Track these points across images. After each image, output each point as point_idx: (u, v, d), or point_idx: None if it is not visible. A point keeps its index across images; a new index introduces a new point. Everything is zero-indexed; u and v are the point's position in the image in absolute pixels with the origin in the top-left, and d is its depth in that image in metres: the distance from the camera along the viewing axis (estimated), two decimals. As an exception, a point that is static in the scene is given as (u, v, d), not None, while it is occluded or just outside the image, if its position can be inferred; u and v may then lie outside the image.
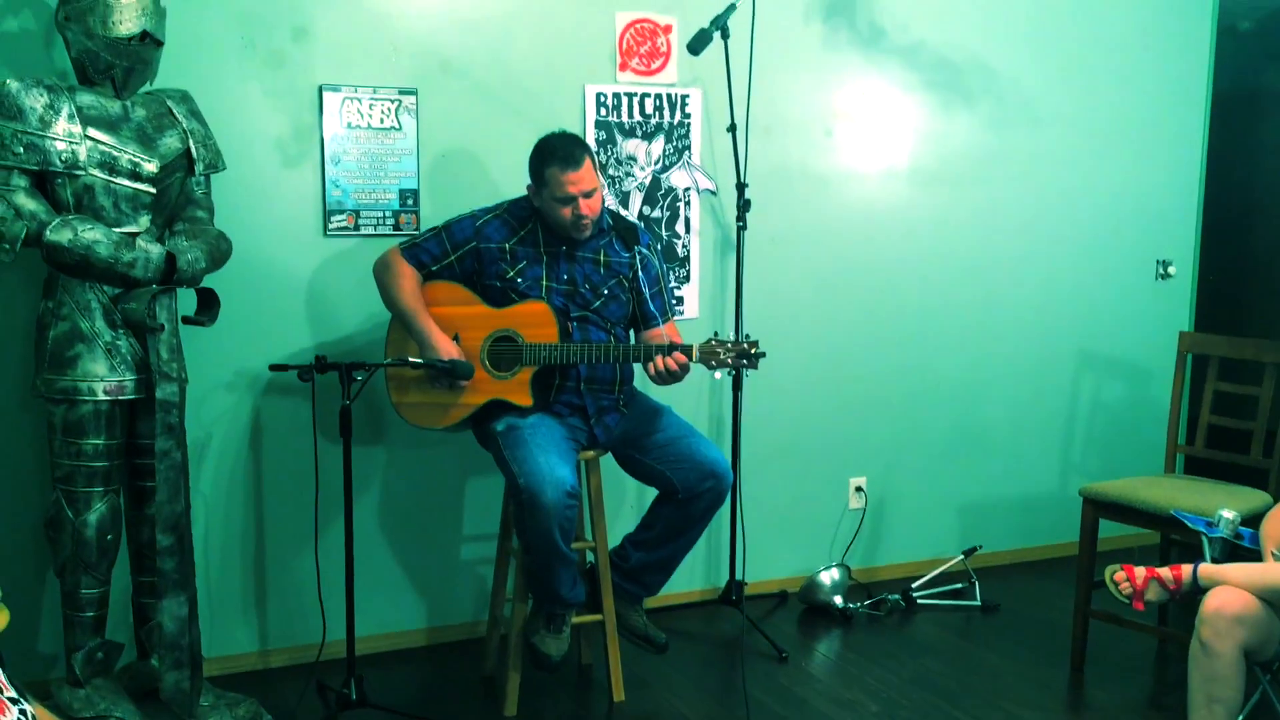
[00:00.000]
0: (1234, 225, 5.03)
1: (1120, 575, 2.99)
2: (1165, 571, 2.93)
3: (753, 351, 3.10)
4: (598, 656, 3.51)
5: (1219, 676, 2.72)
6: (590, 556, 3.44)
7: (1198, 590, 2.84)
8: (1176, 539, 3.66)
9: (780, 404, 4.22)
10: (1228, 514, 3.10)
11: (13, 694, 1.57)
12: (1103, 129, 4.66)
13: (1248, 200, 5.07)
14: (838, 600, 4.09)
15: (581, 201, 3.18)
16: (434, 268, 3.27)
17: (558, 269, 3.28)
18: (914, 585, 4.24)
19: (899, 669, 3.63)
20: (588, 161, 3.18)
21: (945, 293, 4.46)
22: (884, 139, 4.32)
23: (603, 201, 3.34)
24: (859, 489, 4.42)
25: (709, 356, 3.11)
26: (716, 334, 3.22)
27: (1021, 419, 4.66)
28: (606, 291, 3.32)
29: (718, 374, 3.17)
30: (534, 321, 3.19)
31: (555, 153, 3.16)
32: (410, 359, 3.10)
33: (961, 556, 4.35)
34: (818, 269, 4.25)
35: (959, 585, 4.29)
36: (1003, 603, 4.20)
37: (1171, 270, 4.85)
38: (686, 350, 3.12)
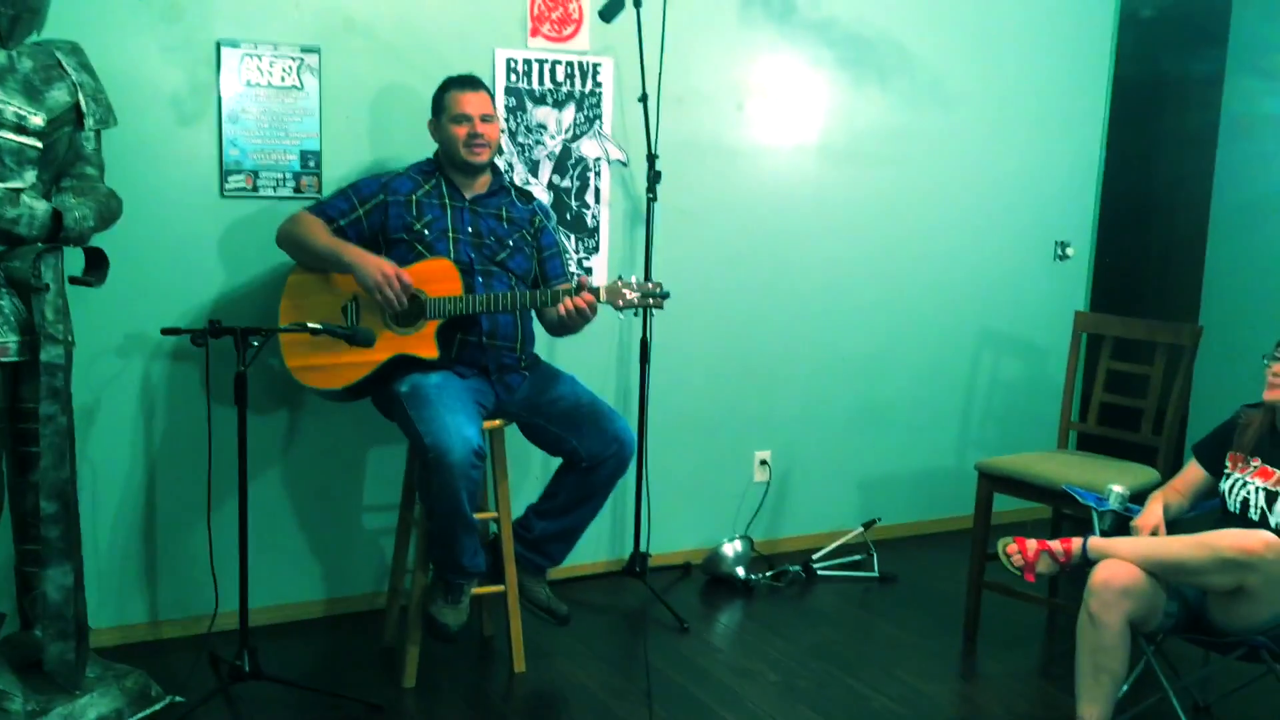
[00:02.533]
0: (1132, 209, 5.17)
1: (1012, 548, 3.05)
2: (1056, 544, 3.00)
3: (658, 291, 3.18)
4: (499, 627, 3.49)
5: (1106, 647, 2.80)
6: (493, 527, 3.41)
7: (1087, 563, 2.91)
8: (1068, 513, 3.76)
9: (687, 376, 4.23)
10: (1117, 489, 3.19)
11: None
12: (1007, 111, 4.73)
13: (1146, 185, 5.21)
14: (740, 572, 4.12)
15: (477, 122, 3.25)
16: (342, 222, 3.21)
17: (462, 221, 3.28)
18: (814, 557, 4.30)
19: (799, 639, 3.68)
20: (484, 92, 3.31)
21: (851, 269, 4.51)
22: (795, 114, 4.33)
23: (499, 141, 3.40)
24: (763, 462, 4.45)
25: (615, 296, 3.17)
26: (621, 276, 3.23)
27: (922, 394, 4.74)
28: (511, 244, 3.33)
29: (622, 315, 3.27)
30: (437, 276, 3.16)
31: (454, 80, 3.33)
32: (309, 325, 3.02)
33: (861, 529, 4.42)
34: (727, 242, 4.26)
35: (858, 557, 4.36)
36: (900, 574, 4.28)
37: (1070, 251, 4.96)
38: (594, 291, 3.16)
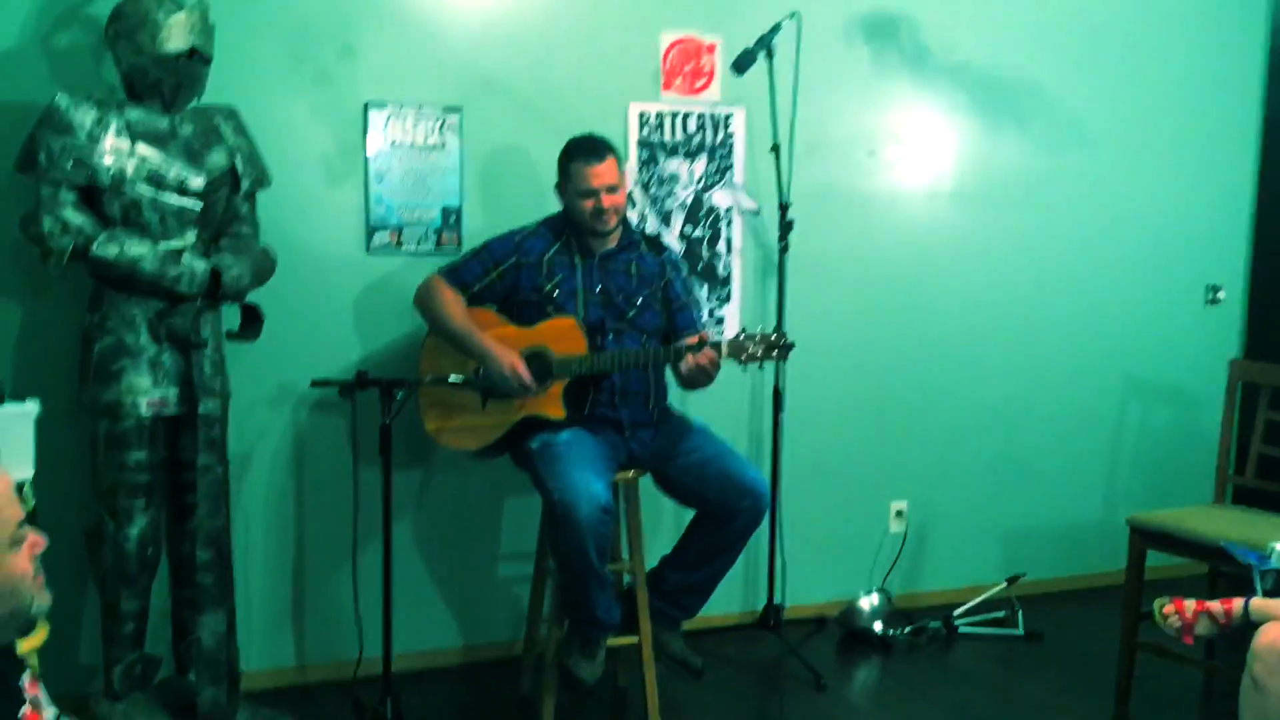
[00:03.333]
0: None
1: (1169, 609, 2.92)
2: (1215, 605, 2.86)
3: (781, 343, 3.12)
4: (634, 679, 3.48)
5: (1271, 714, 2.65)
6: (627, 578, 3.41)
7: (1249, 625, 2.76)
8: (1225, 571, 3.57)
9: (821, 425, 4.18)
10: (1279, 546, 3.03)
11: (50, 709, 1.57)
12: (1152, 151, 4.60)
13: None
14: (877, 626, 4.03)
15: (604, 195, 3.22)
16: (476, 287, 3.27)
17: (592, 279, 3.30)
18: (955, 613, 4.18)
19: (940, 698, 3.57)
20: (611, 158, 3.25)
21: (990, 316, 4.41)
22: (929, 160, 4.28)
23: (627, 203, 3.39)
24: (900, 513, 4.36)
25: (738, 351, 3.12)
26: (744, 329, 3.21)
27: (1067, 445, 4.59)
28: (641, 301, 3.33)
29: (747, 368, 3.19)
30: (562, 336, 3.19)
31: (579, 147, 3.26)
32: (450, 377, 3.09)
33: (1004, 584, 4.28)
34: (860, 291, 4.22)
35: (1001, 613, 4.22)
36: (1046, 632, 4.13)
37: (1221, 295, 4.77)
38: (716, 346, 3.12)
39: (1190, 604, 2.89)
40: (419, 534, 3.71)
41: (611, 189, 3.23)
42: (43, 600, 1.48)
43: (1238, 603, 2.82)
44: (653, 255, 3.43)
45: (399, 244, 3.57)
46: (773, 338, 3.13)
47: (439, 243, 3.60)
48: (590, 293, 3.29)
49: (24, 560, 1.44)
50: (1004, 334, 4.44)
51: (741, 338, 3.14)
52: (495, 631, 3.83)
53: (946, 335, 4.36)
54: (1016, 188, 4.40)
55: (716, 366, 3.15)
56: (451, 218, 3.61)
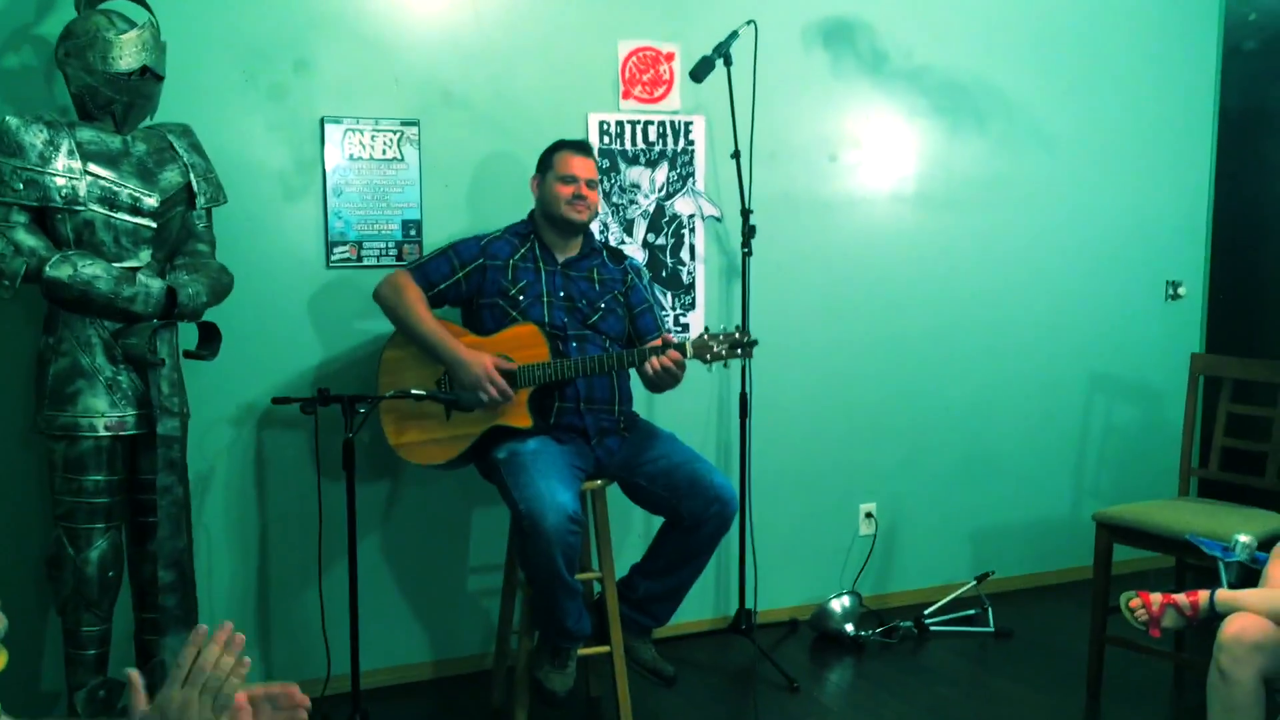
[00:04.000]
0: (1244, 245, 4.99)
1: (1136, 602, 2.94)
2: (1182, 598, 2.88)
3: (745, 340, 3.14)
4: (606, 689, 3.47)
5: (1238, 704, 2.67)
6: (597, 587, 3.40)
7: (1215, 616, 2.79)
8: (1191, 563, 3.60)
9: (788, 430, 4.19)
10: (1244, 538, 3.05)
11: None
12: (1110, 150, 4.64)
13: (1257, 219, 5.03)
14: (849, 628, 4.04)
15: (583, 185, 3.29)
16: (441, 286, 3.26)
17: (555, 285, 3.31)
18: (926, 612, 4.19)
19: (913, 698, 3.58)
20: (593, 160, 3.36)
21: (953, 317, 4.44)
22: (889, 164, 4.30)
23: (598, 207, 3.44)
24: (869, 515, 4.37)
25: (702, 350, 3.14)
26: (708, 328, 3.21)
27: (1032, 442, 4.62)
28: (604, 305, 3.35)
29: (713, 368, 3.21)
30: (524, 343, 3.18)
31: (567, 141, 3.37)
32: (413, 390, 3.07)
33: (974, 582, 4.30)
34: (824, 294, 4.23)
35: (972, 611, 4.24)
36: (1016, 629, 4.14)
37: (1181, 291, 4.82)
38: (680, 347, 3.14)
39: (1156, 597, 2.91)
40: (386, 548, 3.68)
41: (591, 184, 3.31)
42: (0, 624, 1.46)
43: (1203, 594, 2.84)
44: (613, 263, 3.45)
45: (359, 258, 3.55)
46: (736, 335, 3.15)
47: (399, 256, 3.58)
48: (554, 297, 3.29)
49: None
50: (968, 334, 4.47)
51: (705, 337, 3.15)
52: (465, 645, 3.81)
53: (911, 336, 4.38)
54: (977, 189, 4.43)
55: (681, 367, 3.16)
56: (412, 230, 3.60)
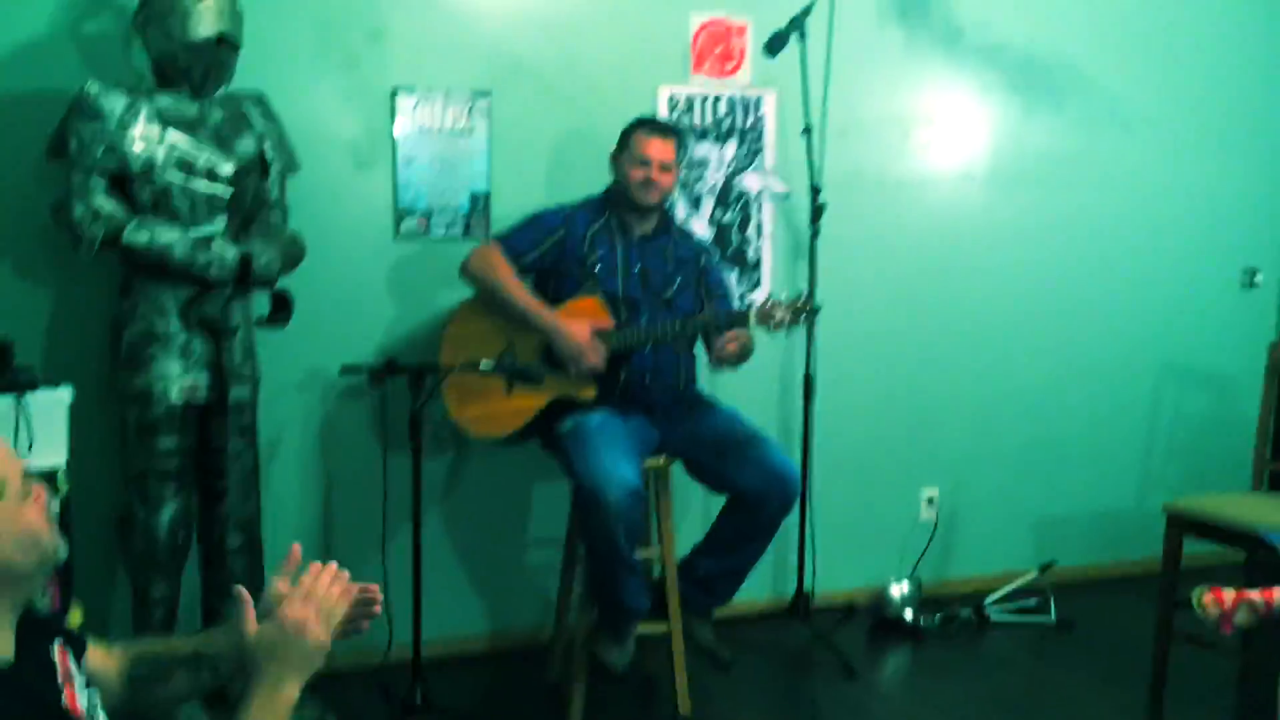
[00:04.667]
0: None
1: (1209, 597, 2.87)
2: (1256, 594, 2.81)
3: (808, 306, 3.19)
4: (663, 668, 3.47)
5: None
6: (656, 565, 3.40)
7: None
8: (1262, 559, 3.52)
9: (851, 411, 4.15)
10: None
11: (80, 676, 1.58)
12: (1188, 133, 4.52)
13: None
14: (908, 614, 4.01)
15: (656, 168, 3.26)
16: (529, 257, 3.26)
17: (631, 258, 3.30)
18: (987, 600, 4.14)
19: (971, 687, 3.55)
20: (673, 140, 3.32)
21: (1023, 300, 4.36)
22: (963, 142, 4.23)
23: (674, 188, 3.41)
24: (930, 500, 4.33)
25: (765, 317, 3.16)
26: (771, 295, 3.23)
27: (1100, 431, 4.53)
28: (678, 283, 3.34)
29: (774, 333, 3.27)
30: (587, 313, 3.18)
31: (647, 120, 3.36)
32: (481, 364, 3.07)
33: (1037, 572, 4.24)
34: (893, 274, 4.17)
35: (1033, 601, 4.18)
36: (1079, 620, 4.08)
37: (1259, 279, 4.70)
38: (744, 314, 3.17)
39: (1229, 593, 2.85)
40: (448, 520, 3.70)
41: (665, 167, 3.27)
42: (61, 547, 1.51)
43: (1278, 592, 2.78)
44: (687, 242, 3.43)
45: (427, 229, 3.55)
46: (799, 302, 3.17)
47: (467, 228, 3.58)
48: (629, 271, 3.29)
49: (37, 510, 1.47)
50: (1036, 318, 4.39)
51: (769, 304, 3.16)
52: (524, 618, 3.83)
53: (979, 320, 4.31)
54: (1050, 169, 4.34)
55: (747, 338, 3.19)
56: (480, 203, 3.60)
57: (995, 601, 4.16)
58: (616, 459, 2.98)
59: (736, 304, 3.65)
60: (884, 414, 4.23)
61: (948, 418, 4.32)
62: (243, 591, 1.62)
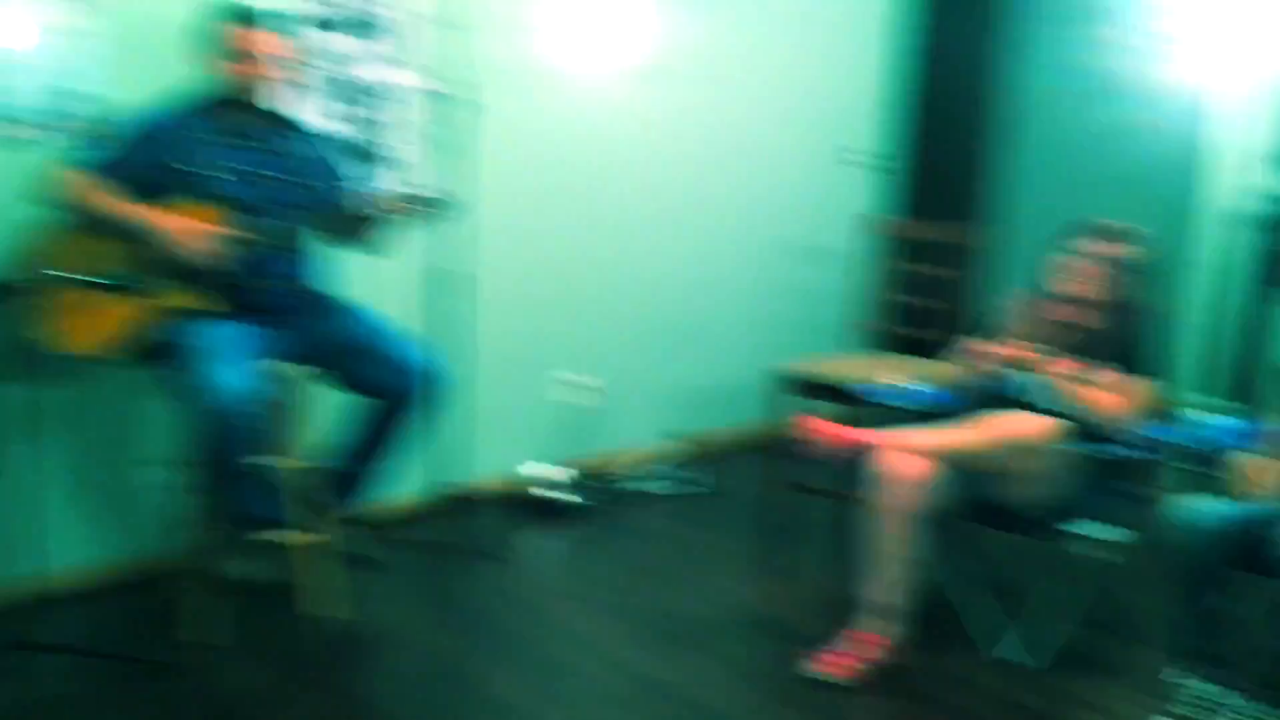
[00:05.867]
0: (930, 112, 5.22)
1: (804, 425, 3.10)
2: (846, 430, 3.07)
3: (433, 200, 3.15)
4: (304, 574, 3.38)
5: (895, 536, 2.91)
6: (287, 471, 3.30)
7: (872, 455, 2.99)
8: (868, 412, 3.87)
9: (505, 302, 4.17)
10: (910, 383, 3.28)
11: None
12: (785, 17, 4.76)
13: (943, 87, 5.26)
14: (561, 496, 4.13)
15: (253, 62, 3.07)
16: (116, 167, 2.99)
17: (238, 157, 3.12)
18: (635, 475, 4.34)
19: (623, 558, 3.73)
20: (266, 28, 3.09)
21: (664, 191, 4.52)
22: (607, 36, 4.27)
23: (284, 80, 3.20)
24: (579, 384, 4.44)
25: (388, 210, 3.13)
26: (397, 189, 3.22)
27: (732, 307, 4.80)
28: (290, 179, 3.19)
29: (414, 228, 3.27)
30: (197, 217, 3.00)
31: (232, 10, 3.09)
32: (78, 276, 2.83)
33: (676, 443, 4.46)
34: (546, 170, 4.20)
35: (679, 472, 4.41)
36: (716, 485, 4.35)
37: (856, 155, 5.05)
38: (364, 210, 3.12)
39: (823, 424, 3.08)
40: (64, 447, 3.43)
41: (264, 57, 3.07)
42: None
43: (865, 433, 3.05)
44: (301, 134, 3.29)
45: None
46: (425, 195, 3.13)
47: (58, 129, 3.24)
48: (236, 170, 3.10)
49: None
50: (677, 207, 4.57)
51: (392, 197, 3.13)
52: (148, 542, 3.60)
53: (627, 210, 4.44)
54: (686, 66, 4.48)
55: (366, 221, 3.13)
56: (76, 101, 3.27)
57: (642, 475, 4.36)
58: (232, 365, 2.87)
59: (364, 199, 3.53)
60: (534, 302, 4.29)
61: (594, 304, 4.44)
62: None
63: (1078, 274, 3.11)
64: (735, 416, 4.87)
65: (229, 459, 2.89)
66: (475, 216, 3.87)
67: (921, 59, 5.22)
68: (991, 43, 5.13)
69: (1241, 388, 4.11)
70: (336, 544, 3.34)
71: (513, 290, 4.18)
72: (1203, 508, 2.65)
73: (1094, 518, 2.97)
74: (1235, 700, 2.51)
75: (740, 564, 3.66)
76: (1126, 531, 2.97)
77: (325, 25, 3.67)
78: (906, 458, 2.92)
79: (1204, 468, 3.03)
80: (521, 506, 4.17)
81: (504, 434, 4.28)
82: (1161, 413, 3.12)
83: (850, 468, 3.08)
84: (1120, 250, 3.10)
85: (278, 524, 3.13)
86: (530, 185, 4.19)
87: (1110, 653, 3.09)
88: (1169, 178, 4.36)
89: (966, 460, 2.95)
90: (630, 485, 4.29)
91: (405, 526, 3.96)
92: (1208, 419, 3.26)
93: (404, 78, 3.84)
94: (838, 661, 2.95)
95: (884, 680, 2.93)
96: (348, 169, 3.42)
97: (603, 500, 4.21)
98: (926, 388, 3.35)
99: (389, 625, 3.27)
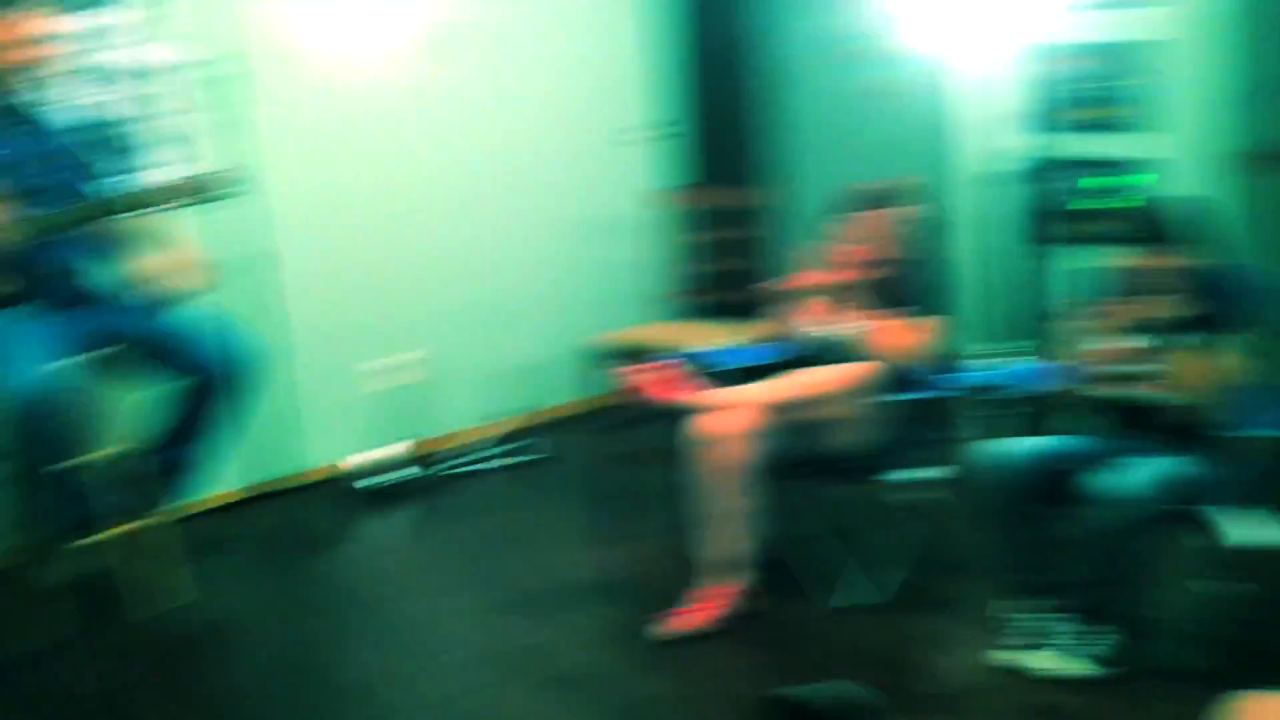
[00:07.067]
0: (705, 80, 5.29)
1: (627, 375, 3.17)
2: (667, 383, 3.15)
3: (214, 183, 3.03)
4: (135, 571, 3.22)
5: (723, 490, 2.98)
6: (101, 465, 3.13)
7: (694, 414, 3.05)
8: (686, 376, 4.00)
9: (314, 284, 4.09)
10: (725, 342, 3.39)
11: None
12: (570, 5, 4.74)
13: (713, 56, 5.33)
14: (390, 476, 4.09)
15: (7, 52, 2.94)
16: None
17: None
18: (466, 453, 4.32)
19: (454, 535, 3.74)
20: (17, 12, 2.94)
21: (464, 166, 4.47)
22: (397, 9, 4.21)
23: (48, 61, 3.07)
24: (410, 363, 4.37)
25: (165, 196, 3.02)
26: (176, 175, 3.10)
27: (542, 285, 4.74)
28: (50, 164, 3.04)
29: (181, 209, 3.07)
30: None
31: None
32: None
33: (507, 419, 4.48)
34: (329, 141, 4.10)
35: (515, 444, 4.41)
36: (549, 456, 4.36)
37: (641, 133, 4.99)
38: (139, 196, 3.01)
39: (645, 372, 3.16)
40: None
41: (17, 44, 2.94)
42: None
43: (686, 388, 3.14)
44: (54, 119, 3.14)
45: None
46: (205, 177, 3.02)
47: None
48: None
49: None
50: (467, 185, 4.50)
51: (170, 182, 3.02)
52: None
53: (432, 188, 4.39)
54: (462, 37, 4.42)
55: (142, 205, 3.01)
56: None
57: (471, 452, 4.35)
58: (33, 361, 2.77)
59: (118, 189, 3.36)
60: (355, 287, 4.22)
61: (415, 286, 4.39)
62: None
63: (856, 235, 3.25)
64: (559, 391, 4.84)
65: (34, 463, 2.79)
66: (264, 194, 3.75)
67: (690, 27, 5.19)
68: (750, 10, 5.26)
69: (1018, 336, 4.40)
70: (165, 537, 3.20)
71: (321, 270, 4.10)
72: (1006, 447, 2.82)
73: (910, 461, 3.11)
74: (1063, 626, 2.68)
75: (581, 531, 3.71)
76: (942, 471, 3.11)
77: (69, 6, 3.43)
78: (727, 414, 3.00)
79: (1003, 408, 3.27)
80: (356, 493, 4.09)
81: (331, 421, 4.21)
82: (953, 356, 3.29)
83: (675, 426, 3.13)
84: (894, 209, 3.26)
85: (89, 525, 3.01)
86: (319, 158, 4.09)
87: (945, 590, 3.18)
88: (924, 142, 4.58)
89: (784, 413, 3.04)
90: (462, 464, 4.26)
91: (237, 519, 3.85)
92: (1000, 362, 3.48)
93: (161, 52, 3.65)
94: (688, 619, 3.02)
95: (733, 632, 2.98)
96: (100, 158, 3.25)
97: (437, 480, 4.18)
98: (737, 348, 3.47)
99: (228, 618, 3.20)
